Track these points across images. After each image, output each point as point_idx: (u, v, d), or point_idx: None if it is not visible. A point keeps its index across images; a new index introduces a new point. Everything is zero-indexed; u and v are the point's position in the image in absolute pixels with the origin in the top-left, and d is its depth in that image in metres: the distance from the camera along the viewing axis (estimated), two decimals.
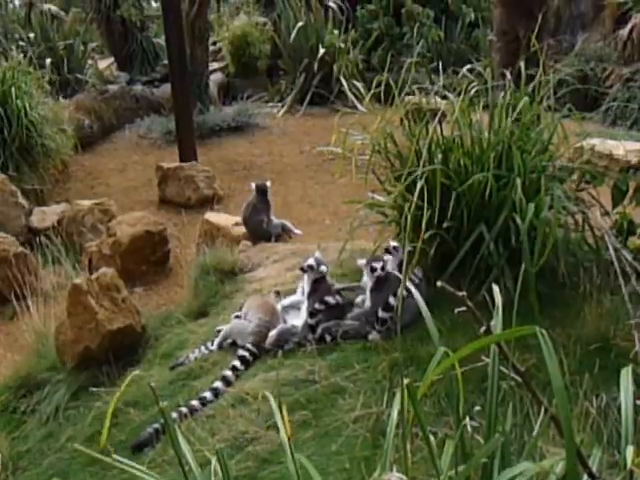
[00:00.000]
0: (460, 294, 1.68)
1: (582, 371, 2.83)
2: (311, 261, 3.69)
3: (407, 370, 3.07)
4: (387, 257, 3.72)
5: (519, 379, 1.78)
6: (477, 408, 2.06)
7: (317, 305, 3.50)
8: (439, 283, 1.67)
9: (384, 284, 3.50)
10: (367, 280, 3.61)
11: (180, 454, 1.71)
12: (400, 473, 2.16)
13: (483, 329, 1.70)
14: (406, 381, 1.63)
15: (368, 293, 3.56)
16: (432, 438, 1.84)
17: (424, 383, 1.60)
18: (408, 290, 3.30)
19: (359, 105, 10.10)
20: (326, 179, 7.70)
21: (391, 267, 3.62)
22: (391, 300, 3.38)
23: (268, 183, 5.55)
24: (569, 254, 3.52)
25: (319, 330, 3.45)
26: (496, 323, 1.83)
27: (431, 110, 4.01)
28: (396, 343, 3.32)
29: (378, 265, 3.52)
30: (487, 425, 1.69)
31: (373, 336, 3.40)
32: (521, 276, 3.19)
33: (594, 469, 1.69)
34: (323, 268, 3.64)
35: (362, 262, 3.62)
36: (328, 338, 3.44)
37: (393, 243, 3.79)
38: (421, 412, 1.77)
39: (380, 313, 3.39)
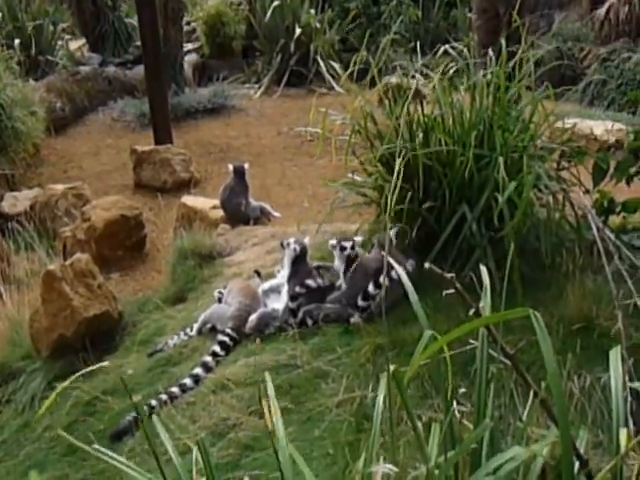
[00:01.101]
0: (448, 276, 1.64)
1: (565, 351, 2.80)
2: (291, 240, 3.63)
3: (390, 353, 3.04)
4: (357, 238, 3.67)
5: (508, 362, 1.75)
6: (462, 390, 2.03)
7: (298, 288, 3.45)
8: (426, 265, 1.62)
9: (356, 265, 3.46)
10: (339, 262, 3.56)
11: (154, 449, 1.65)
12: (387, 460, 2.13)
13: (472, 311, 1.66)
14: (391, 366, 1.57)
15: (341, 275, 3.51)
16: (419, 424, 1.80)
17: (411, 367, 1.56)
18: (389, 276, 3.31)
19: (336, 86, 10.05)
20: (304, 161, 7.64)
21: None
22: (370, 289, 3.34)
23: (246, 165, 5.47)
24: (551, 234, 3.50)
25: (300, 314, 3.40)
26: (485, 305, 1.79)
27: (410, 90, 3.95)
28: (378, 326, 3.28)
29: (348, 244, 3.47)
30: (476, 409, 1.65)
31: (355, 319, 3.36)
32: (505, 257, 3.23)
33: (581, 451, 1.67)
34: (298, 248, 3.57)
35: (332, 242, 3.57)
36: (309, 322, 3.39)
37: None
38: (406, 396, 1.74)
39: (360, 302, 3.35)
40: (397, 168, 2.81)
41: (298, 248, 3.55)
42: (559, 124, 3.90)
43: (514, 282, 3.12)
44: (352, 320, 3.37)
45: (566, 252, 3.41)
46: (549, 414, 1.76)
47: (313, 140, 8.31)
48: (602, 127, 6.73)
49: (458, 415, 1.75)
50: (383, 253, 3.46)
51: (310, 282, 3.49)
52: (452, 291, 1.68)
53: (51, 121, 8.11)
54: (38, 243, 5.14)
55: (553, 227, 3.50)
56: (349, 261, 3.47)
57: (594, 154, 3.86)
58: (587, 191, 3.77)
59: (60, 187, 6.41)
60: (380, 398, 1.92)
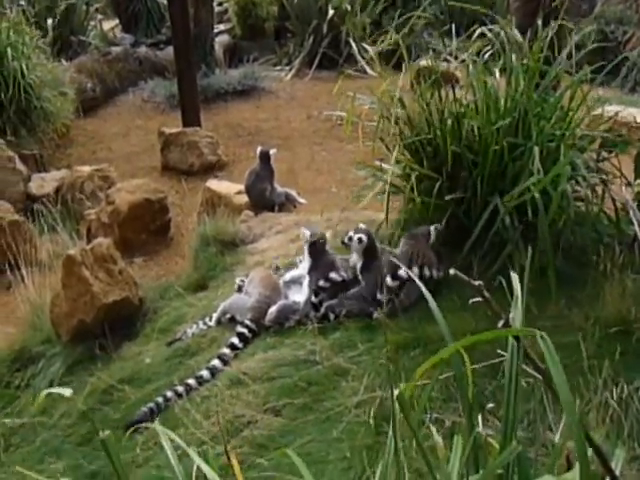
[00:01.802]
0: (476, 284, 1.48)
1: (601, 356, 2.64)
2: (306, 231, 3.51)
3: (413, 351, 2.91)
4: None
5: (538, 376, 1.60)
6: (490, 405, 1.87)
7: (322, 282, 3.32)
8: (451, 271, 1.46)
9: (373, 258, 3.33)
10: (356, 256, 3.42)
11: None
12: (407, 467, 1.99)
13: (501, 323, 1.51)
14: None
15: (358, 269, 3.39)
16: (438, 437, 1.66)
17: (422, 367, 1.41)
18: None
19: (369, 69, 9.82)
20: (334, 145, 7.45)
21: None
22: (389, 281, 3.19)
23: (272, 150, 5.36)
24: (588, 229, 3.30)
25: (322, 309, 3.27)
26: (515, 315, 1.63)
27: (443, 74, 3.77)
28: (402, 322, 3.14)
29: (359, 236, 3.33)
30: (503, 429, 1.50)
31: (377, 315, 3.22)
32: (539, 253, 3.05)
33: (617, 469, 1.51)
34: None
35: (350, 234, 3.41)
36: (331, 317, 3.26)
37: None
38: (426, 398, 1.61)
39: (378, 295, 3.21)
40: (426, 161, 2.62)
41: (311, 239, 3.41)
42: (599, 111, 3.67)
43: (548, 279, 2.96)
44: (374, 315, 3.23)
45: (604, 249, 3.20)
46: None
47: (343, 124, 8.19)
48: None
49: (483, 433, 1.60)
50: (412, 249, 3.32)
51: (334, 275, 3.35)
52: (479, 299, 1.53)
53: (81, 102, 8.05)
54: (62, 225, 5.09)
55: (591, 221, 3.31)
56: (367, 253, 3.34)
57: (637, 143, 3.63)
58: (629, 183, 3.55)
59: (87, 169, 6.36)
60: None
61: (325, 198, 6.15)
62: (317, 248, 3.42)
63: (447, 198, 3.41)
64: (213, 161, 7.05)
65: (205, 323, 3.64)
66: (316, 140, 7.79)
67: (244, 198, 5.21)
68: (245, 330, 3.34)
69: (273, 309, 3.36)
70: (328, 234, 3.62)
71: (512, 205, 3.20)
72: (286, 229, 4.41)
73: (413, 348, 2.93)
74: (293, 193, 5.43)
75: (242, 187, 5.31)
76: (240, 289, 3.67)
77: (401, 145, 3.70)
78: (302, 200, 5.45)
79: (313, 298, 3.29)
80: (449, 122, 3.50)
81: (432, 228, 3.40)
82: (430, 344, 2.91)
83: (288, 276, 3.65)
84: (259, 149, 5.31)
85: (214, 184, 5.58)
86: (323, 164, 7.15)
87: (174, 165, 7.11)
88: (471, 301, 1.57)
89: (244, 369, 3.05)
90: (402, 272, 3.21)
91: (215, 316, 3.60)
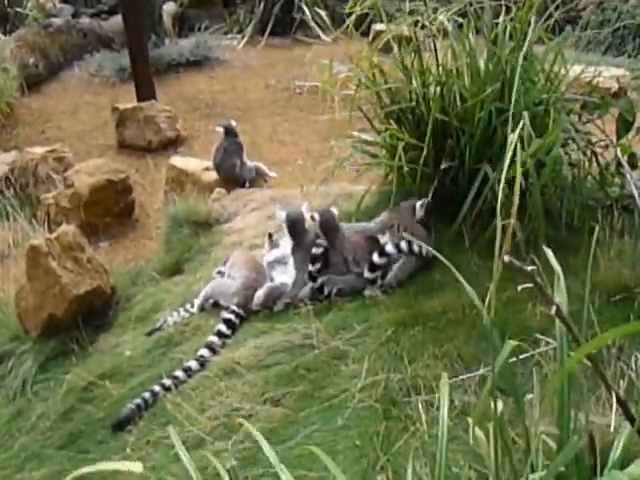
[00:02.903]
0: (529, 269, 1.35)
1: (604, 324, 2.57)
2: (277, 210, 3.40)
3: (412, 330, 2.79)
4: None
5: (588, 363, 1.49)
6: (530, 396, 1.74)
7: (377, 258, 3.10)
8: (506, 258, 1.32)
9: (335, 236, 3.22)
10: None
11: None
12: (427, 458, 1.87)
13: (554, 310, 1.38)
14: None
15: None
16: (480, 432, 1.54)
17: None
18: (399, 247, 3.06)
19: (323, 35, 9.57)
20: (295, 115, 7.27)
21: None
22: (376, 258, 3.06)
23: (233, 122, 5.19)
24: (577, 193, 3.23)
25: (325, 290, 3.15)
26: (560, 298, 1.51)
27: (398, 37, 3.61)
28: (397, 299, 3.03)
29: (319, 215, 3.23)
30: (560, 423, 1.38)
31: (369, 291, 3.09)
32: (530, 220, 2.97)
33: None
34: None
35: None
36: (326, 291, 3.14)
37: None
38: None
39: (366, 273, 3.09)
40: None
41: (284, 220, 3.28)
42: (578, 73, 3.59)
43: (539, 246, 2.88)
44: (366, 292, 3.10)
45: (596, 213, 3.14)
46: (627, 416, 1.51)
47: (302, 93, 7.97)
48: (606, 74, 6.37)
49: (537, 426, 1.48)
50: (398, 221, 3.19)
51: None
52: (529, 285, 1.40)
53: (24, 78, 7.59)
54: (19, 211, 4.77)
55: (580, 185, 3.23)
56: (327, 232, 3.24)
57: (619, 104, 3.56)
58: (607, 146, 3.50)
59: (39, 150, 5.98)
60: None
61: (292, 171, 6.00)
62: (296, 228, 3.26)
63: (433, 168, 3.28)
64: (172, 136, 6.79)
65: (186, 310, 3.45)
66: (276, 110, 7.58)
67: (213, 175, 5.03)
68: (232, 316, 3.17)
69: (260, 292, 3.20)
70: (305, 208, 3.45)
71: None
72: (262, 206, 4.24)
73: (412, 326, 2.82)
74: (263, 167, 5.25)
75: (209, 163, 5.12)
76: (222, 274, 3.49)
77: (382, 114, 3.55)
78: (272, 174, 5.28)
79: (313, 283, 3.14)
80: (432, 89, 3.35)
81: (419, 203, 3.27)
82: (430, 321, 2.82)
83: (271, 256, 3.48)
84: (222, 126, 5.11)
85: (178, 161, 5.36)
86: (286, 135, 6.94)
87: (131, 142, 6.81)
88: (520, 287, 1.43)
89: (236, 358, 2.89)
90: (390, 248, 3.09)
91: (197, 302, 3.42)
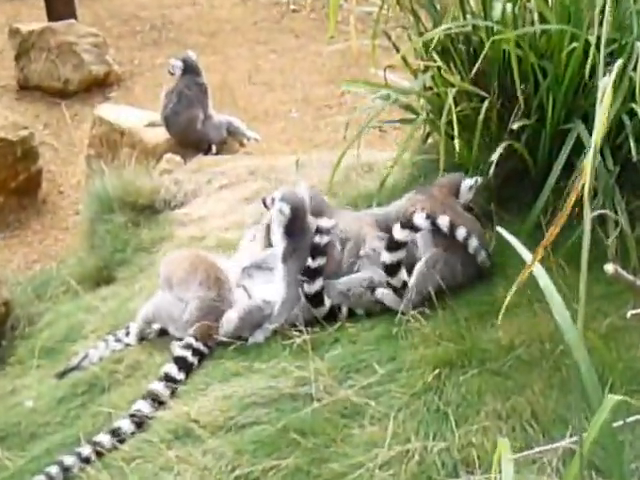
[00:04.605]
0: None
1: None
2: (277, 195, 3.38)
3: (464, 375, 2.81)
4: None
5: None
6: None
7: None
8: (610, 268, 1.31)
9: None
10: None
11: None
12: None
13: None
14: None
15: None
16: None
17: None
18: (433, 221, 3.11)
19: None
20: (288, 44, 7.41)
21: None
22: (397, 231, 3.13)
23: (193, 54, 5.26)
24: None
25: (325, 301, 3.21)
26: None
27: None
28: (439, 323, 3.05)
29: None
30: None
31: (384, 296, 3.20)
32: None
33: None
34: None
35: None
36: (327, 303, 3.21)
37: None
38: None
39: (383, 255, 3.18)
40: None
41: (288, 209, 3.28)
42: None
43: None
44: (377, 294, 3.22)
45: None
46: None
47: (300, 10, 8.03)
48: None
49: None
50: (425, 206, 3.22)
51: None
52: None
53: None
54: None
55: None
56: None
57: None
58: None
59: None
60: None
61: (282, 129, 6.05)
62: (297, 221, 3.31)
63: (498, 128, 3.32)
64: (100, 74, 6.94)
65: (119, 339, 3.52)
66: (259, 37, 7.72)
67: (162, 134, 5.11)
68: (187, 352, 3.21)
69: (232, 315, 3.25)
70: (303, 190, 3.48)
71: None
72: (236, 182, 4.30)
73: (462, 368, 2.84)
74: (239, 123, 5.29)
75: (156, 116, 5.20)
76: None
77: (420, 44, 3.58)
78: (252, 133, 5.31)
79: (305, 287, 3.22)
80: (498, 6, 3.38)
81: (467, 182, 3.31)
82: (489, 360, 2.84)
83: (247, 260, 3.53)
84: (176, 61, 5.12)
85: (109, 112, 5.45)
86: (274, 75, 7.09)
87: (38, 82, 6.95)
88: (630, 313, 1.43)
89: (194, 414, 2.90)
90: (420, 219, 3.13)
91: (134, 328, 3.48)
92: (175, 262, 3.58)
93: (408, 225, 3.12)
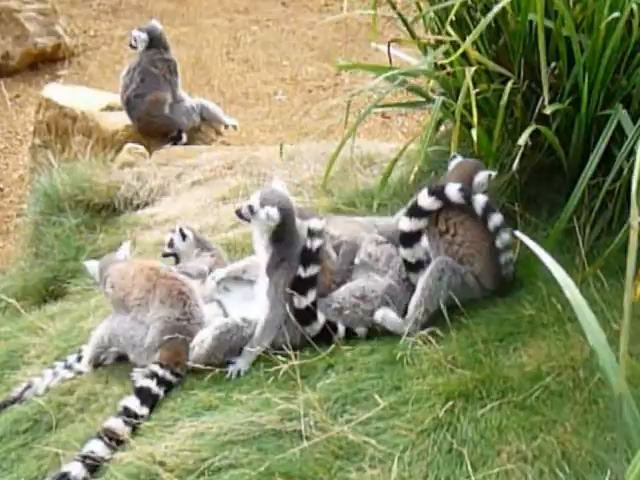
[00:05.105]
0: None
1: None
2: (254, 201, 3.38)
3: (482, 407, 2.83)
4: None
5: None
6: None
7: None
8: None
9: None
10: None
11: None
12: None
13: None
14: None
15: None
16: None
17: None
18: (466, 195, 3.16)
19: None
20: (273, 13, 7.45)
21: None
22: (424, 197, 3.20)
23: (157, 23, 5.30)
24: None
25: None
26: None
27: None
28: (454, 349, 3.08)
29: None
30: None
31: (385, 319, 3.25)
32: None
33: None
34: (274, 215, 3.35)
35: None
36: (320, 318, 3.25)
37: None
38: None
39: (402, 222, 3.25)
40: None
41: (277, 214, 3.30)
42: None
43: None
44: (378, 316, 3.26)
45: None
46: None
47: None
48: None
49: None
50: None
51: None
52: None
53: None
54: None
55: None
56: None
57: None
58: None
59: None
60: None
61: (266, 114, 6.07)
62: (285, 228, 3.34)
63: (524, 112, 3.36)
64: (48, 47, 6.98)
65: (69, 366, 3.54)
66: (239, 4, 7.75)
67: (122, 119, 5.15)
68: (151, 382, 3.23)
69: (205, 337, 3.26)
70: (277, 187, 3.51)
71: None
72: (211, 177, 4.36)
73: (480, 400, 2.86)
74: (214, 107, 5.33)
75: (115, 97, 5.26)
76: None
77: (431, 15, 3.62)
78: (231, 119, 5.35)
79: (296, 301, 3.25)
80: None
81: (482, 176, 3.35)
82: (512, 391, 2.86)
83: (222, 271, 3.57)
84: (139, 32, 5.14)
85: (58, 92, 5.49)
86: (256, 49, 7.12)
87: None
88: None
89: (159, 455, 2.92)
90: (452, 188, 3.19)
91: (88, 353, 3.50)
92: (127, 277, 3.56)
93: (437, 192, 3.17)
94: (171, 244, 3.75)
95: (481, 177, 3.32)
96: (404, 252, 3.23)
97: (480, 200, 3.16)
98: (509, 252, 3.21)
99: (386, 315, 3.24)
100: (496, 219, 3.16)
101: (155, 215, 4.25)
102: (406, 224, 3.20)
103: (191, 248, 3.75)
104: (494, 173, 3.36)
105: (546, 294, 2.97)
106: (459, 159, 3.42)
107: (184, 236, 3.72)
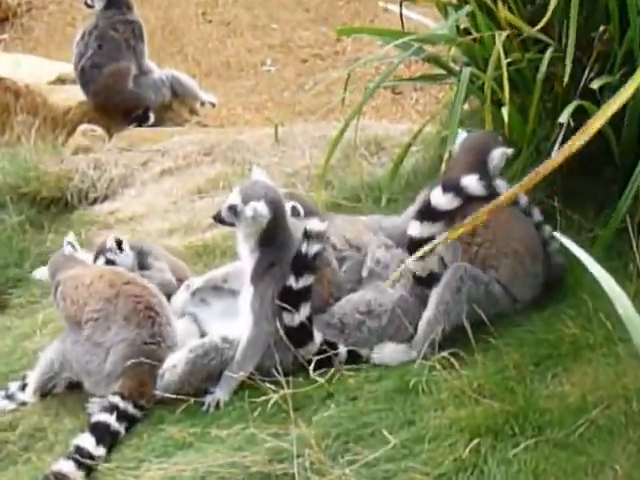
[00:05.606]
0: None
1: None
2: (235, 200, 3.40)
3: (514, 446, 2.83)
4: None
5: None
6: None
7: None
8: None
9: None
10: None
11: None
12: None
13: None
14: None
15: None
16: None
17: None
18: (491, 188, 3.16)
19: None
20: None
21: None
22: (437, 197, 3.19)
23: None
24: None
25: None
26: None
27: None
28: (478, 375, 3.08)
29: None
30: None
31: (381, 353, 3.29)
32: None
33: None
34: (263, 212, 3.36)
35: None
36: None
37: None
38: None
39: (412, 226, 3.25)
40: None
41: (266, 209, 3.32)
42: None
43: None
44: (375, 357, 3.30)
45: None
46: None
47: None
48: None
49: None
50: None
51: None
52: None
53: None
54: None
55: None
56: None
57: None
58: None
59: None
60: None
61: (251, 88, 6.07)
62: (276, 227, 3.36)
63: (566, 86, 3.34)
64: None
65: (10, 395, 3.56)
66: None
67: (76, 94, 5.14)
68: (110, 417, 3.23)
69: (179, 361, 3.27)
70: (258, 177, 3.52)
71: None
72: (184, 165, 4.36)
73: (511, 438, 2.86)
74: (188, 79, 5.34)
75: (68, 67, 5.27)
76: None
77: None
78: (208, 96, 5.36)
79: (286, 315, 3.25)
80: None
81: (496, 154, 3.36)
82: (551, 426, 2.86)
83: (199, 280, 3.59)
84: None
85: (2, 61, 5.50)
86: (238, 9, 7.14)
87: None
88: None
89: None
90: (470, 179, 3.19)
91: (34, 380, 3.52)
92: (82, 286, 3.56)
93: (454, 187, 3.17)
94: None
95: (496, 157, 3.33)
96: (413, 264, 3.19)
97: (505, 188, 3.15)
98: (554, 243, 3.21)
99: (381, 352, 3.28)
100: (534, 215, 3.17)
101: (116, 212, 4.25)
102: (416, 229, 3.19)
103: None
104: (509, 150, 3.36)
105: (592, 309, 2.98)
106: (463, 135, 3.42)
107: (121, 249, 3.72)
